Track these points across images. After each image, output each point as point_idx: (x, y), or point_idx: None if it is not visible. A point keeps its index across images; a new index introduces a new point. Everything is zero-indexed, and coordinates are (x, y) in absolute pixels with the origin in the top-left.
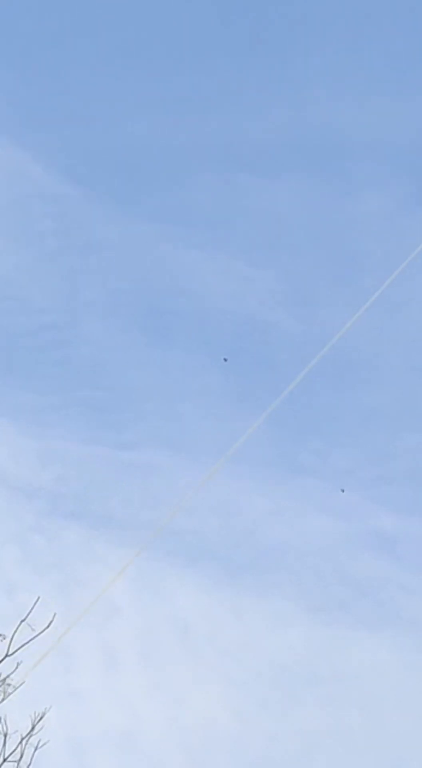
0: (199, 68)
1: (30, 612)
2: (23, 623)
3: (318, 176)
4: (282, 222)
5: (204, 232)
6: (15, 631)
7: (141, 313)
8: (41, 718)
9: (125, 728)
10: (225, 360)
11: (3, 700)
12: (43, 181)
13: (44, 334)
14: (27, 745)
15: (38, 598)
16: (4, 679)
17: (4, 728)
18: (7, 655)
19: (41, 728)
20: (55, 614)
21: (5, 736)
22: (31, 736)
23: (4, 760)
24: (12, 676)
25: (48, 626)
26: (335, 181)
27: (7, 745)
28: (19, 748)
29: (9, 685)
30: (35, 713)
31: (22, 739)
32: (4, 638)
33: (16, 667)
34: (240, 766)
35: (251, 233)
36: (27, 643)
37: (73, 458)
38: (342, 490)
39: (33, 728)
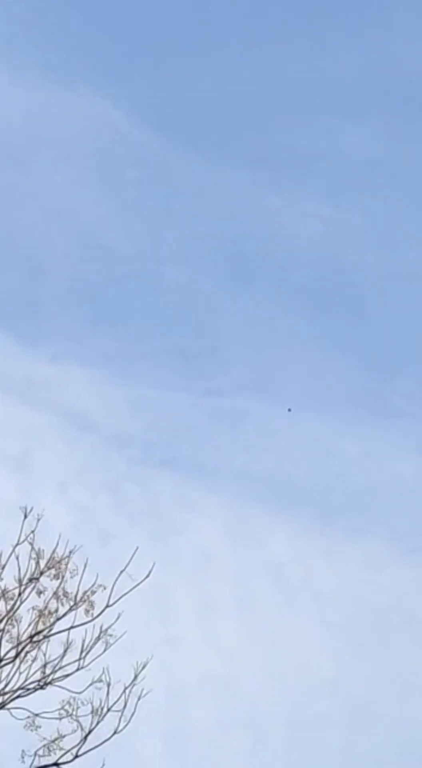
0: (280, 11)
1: (129, 562)
2: (123, 573)
3: (403, 117)
4: (366, 163)
5: (286, 176)
6: (115, 582)
7: (226, 259)
8: (143, 668)
9: (223, 675)
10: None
11: (105, 650)
12: (126, 129)
13: (130, 283)
14: (130, 695)
15: (137, 548)
16: (106, 630)
17: (108, 678)
18: (107, 606)
19: (143, 678)
20: (154, 563)
21: (108, 686)
22: (133, 685)
23: (108, 710)
24: (114, 626)
25: (147, 576)
26: (416, 121)
27: (110, 695)
28: (122, 698)
29: (111, 635)
30: (137, 663)
31: (125, 688)
32: (105, 589)
33: (118, 618)
34: (339, 709)
35: (335, 175)
36: (127, 593)
37: (163, 406)
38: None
39: (135, 678)
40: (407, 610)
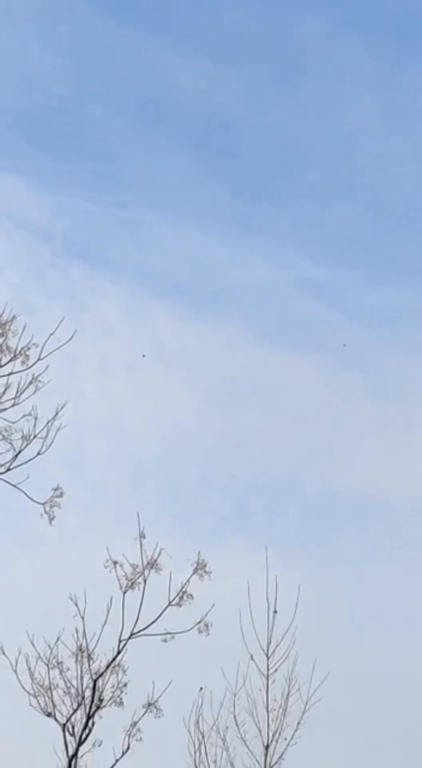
0: None
1: (57, 327)
2: (52, 336)
3: (269, 2)
4: (244, 36)
5: (182, 41)
6: (45, 342)
7: (134, 102)
8: (63, 407)
9: (114, 421)
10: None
11: (35, 392)
12: None
13: (61, 116)
14: (51, 427)
15: (63, 318)
16: (37, 377)
17: (36, 413)
18: (39, 359)
19: (62, 416)
20: (75, 330)
21: (36, 419)
22: (54, 419)
23: (35, 436)
24: (42, 375)
25: (70, 339)
26: (283, 7)
27: (37, 426)
28: (45, 429)
29: (40, 381)
30: (58, 404)
31: (48, 422)
32: (37, 347)
33: (46, 368)
34: (199, 450)
35: (219, 45)
36: (55, 350)
37: (80, 213)
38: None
39: (56, 414)
40: (253, 380)
